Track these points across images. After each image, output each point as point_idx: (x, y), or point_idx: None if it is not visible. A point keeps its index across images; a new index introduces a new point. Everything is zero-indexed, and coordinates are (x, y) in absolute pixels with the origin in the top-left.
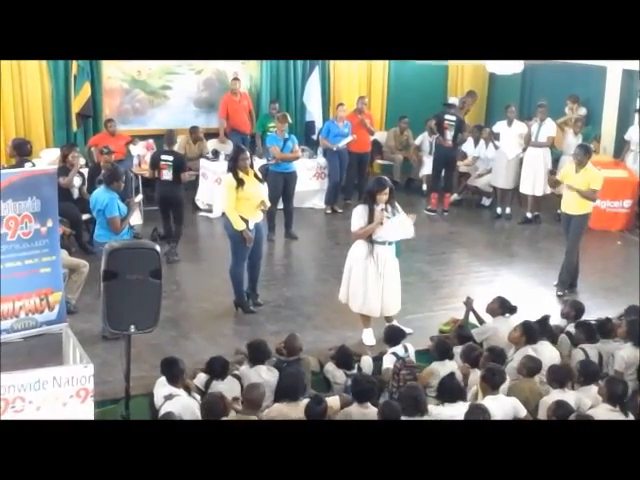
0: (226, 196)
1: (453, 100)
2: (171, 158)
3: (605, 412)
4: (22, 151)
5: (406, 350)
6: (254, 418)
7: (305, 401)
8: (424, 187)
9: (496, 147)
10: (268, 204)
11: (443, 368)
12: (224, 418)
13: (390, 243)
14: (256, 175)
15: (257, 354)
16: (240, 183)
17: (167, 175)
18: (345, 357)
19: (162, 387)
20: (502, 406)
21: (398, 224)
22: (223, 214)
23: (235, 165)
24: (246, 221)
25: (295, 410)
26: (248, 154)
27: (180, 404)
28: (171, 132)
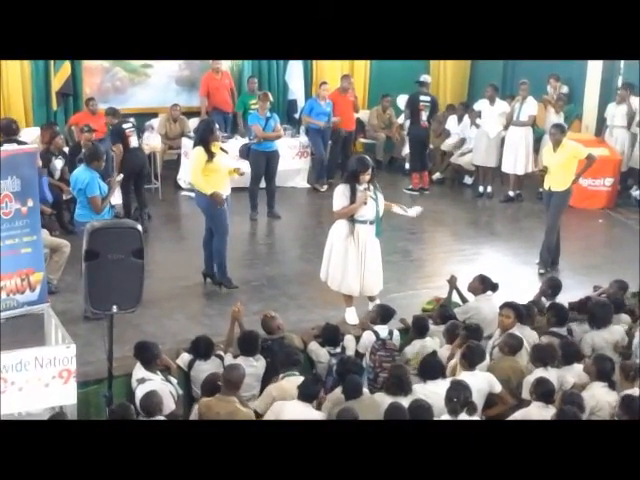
0: (195, 166)
1: (425, 78)
2: (130, 125)
3: (600, 390)
4: (8, 131)
5: (390, 334)
6: (233, 399)
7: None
8: (407, 166)
9: (477, 126)
10: (242, 171)
11: (424, 347)
12: (205, 398)
13: (371, 222)
14: (221, 147)
15: (248, 345)
16: (211, 156)
17: (135, 142)
18: (331, 334)
19: (138, 370)
20: (477, 381)
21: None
22: (195, 194)
23: (208, 138)
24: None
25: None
26: (217, 126)
27: (151, 389)
28: (113, 109)
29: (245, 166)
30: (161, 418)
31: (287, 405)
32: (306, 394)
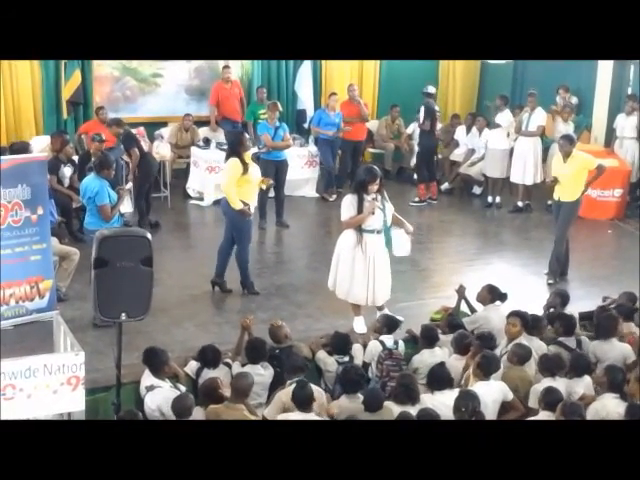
0: (230, 178)
1: (432, 89)
2: (135, 132)
3: (611, 401)
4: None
5: (396, 344)
6: (241, 407)
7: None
8: (415, 176)
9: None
10: (271, 181)
11: (432, 356)
12: (214, 406)
13: (379, 232)
14: (260, 157)
15: (254, 352)
16: (246, 167)
17: (145, 146)
18: (341, 342)
19: (146, 377)
20: (491, 391)
21: (398, 237)
22: (222, 202)
23: (240, 149)
24: (247, 205)
25: None
26: (247, 136)
27: (161, 396)
28: (116, 119)
29: None
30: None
31: (290, 417)
32: (300, 402)
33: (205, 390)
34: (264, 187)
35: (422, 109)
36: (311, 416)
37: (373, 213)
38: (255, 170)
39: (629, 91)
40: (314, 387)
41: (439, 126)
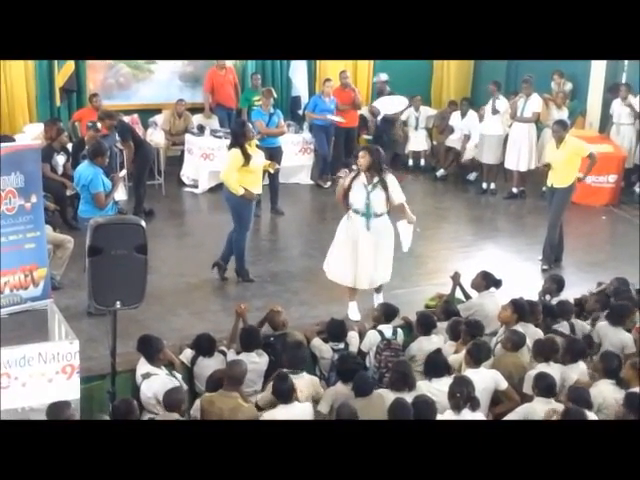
0: (230, 166)
1: (385, 76)
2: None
3: (607, 387)
4: None
5: (395, 333)
6: (236, 395)
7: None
8: (410, 162)
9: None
10: (277, 166)
11: (429, 344)
12: (208, 394)
13: (363, 214)
14: (257, 145)
15: (248, 340)
16: (248, 159)
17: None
18: (337, 328)
19: (142, 365)
20: (483, 378)
21: (402, 230)
22: (224, 190)
23: (243, 140)
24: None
25: (300, 382)
26: (250, 125)
27: (157, 383)
28: (106, 113)
29: None
30: (177, 417)
31: (275, 414)
32: (280, 394)
33: (214, 382)
34: (272, 171)
35: (404, 100)
36: (292, 406)
37: (345, 187)
38: (259, 157)
39: (624, 77)
40: (309, 375)
41: (434, 112)
